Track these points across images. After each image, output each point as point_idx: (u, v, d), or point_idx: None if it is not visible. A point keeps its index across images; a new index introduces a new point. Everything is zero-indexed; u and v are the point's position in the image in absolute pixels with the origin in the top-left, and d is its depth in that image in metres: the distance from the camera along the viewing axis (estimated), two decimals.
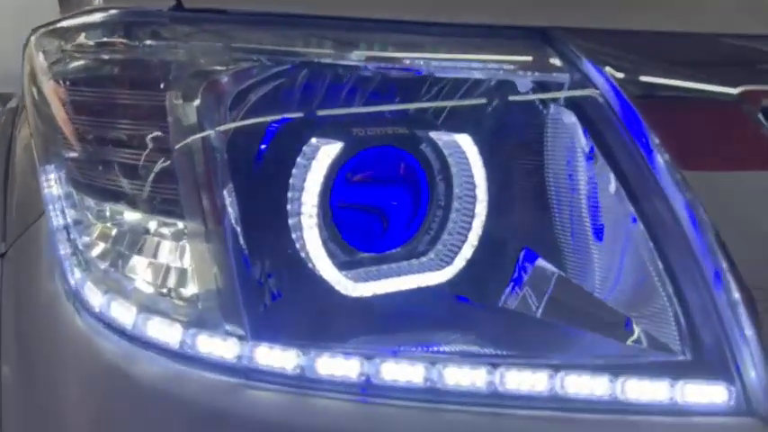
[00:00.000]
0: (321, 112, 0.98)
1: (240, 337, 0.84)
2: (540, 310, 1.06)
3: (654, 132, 0.89)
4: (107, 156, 0.99)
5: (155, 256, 0.91)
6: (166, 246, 0.90)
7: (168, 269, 0.90)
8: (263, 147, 0.98)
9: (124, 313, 0.88)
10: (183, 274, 0.88)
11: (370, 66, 0.93)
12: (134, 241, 0.94)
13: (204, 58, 0.93)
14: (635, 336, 1.02)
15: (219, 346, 0.84)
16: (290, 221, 0.94)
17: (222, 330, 0.85)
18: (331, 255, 0.95)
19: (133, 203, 0.96)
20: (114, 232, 0.97)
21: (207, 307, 0.86)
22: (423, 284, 1.01)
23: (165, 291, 0.90)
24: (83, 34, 1.04)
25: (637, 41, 0.96)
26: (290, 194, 0.93)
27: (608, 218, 0.99)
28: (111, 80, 1.02)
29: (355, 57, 0.93)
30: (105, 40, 1.03)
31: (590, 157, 1.00)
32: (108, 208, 0.99)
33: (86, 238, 0.98)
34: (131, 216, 0.97)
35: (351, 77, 0.97)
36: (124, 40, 1.00)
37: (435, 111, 1.04)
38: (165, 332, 0.86)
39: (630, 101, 0.90)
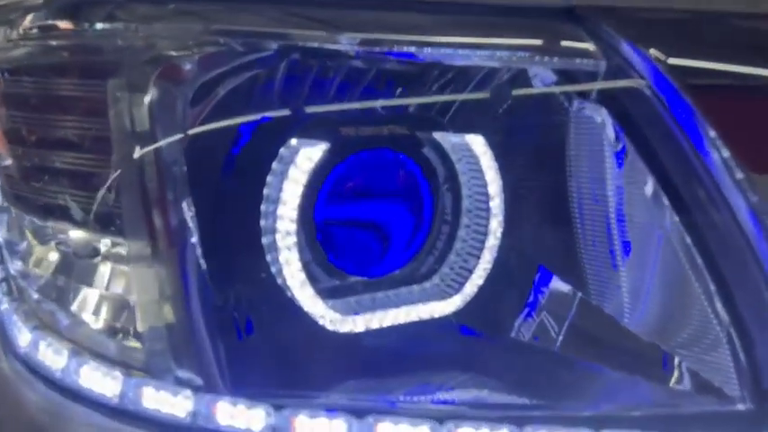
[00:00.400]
0: (310, 109, 0.80)
1: (195, 389, 0.67)
2: (563, 346, 0.91)
3: (712, 128, 0.72)
4: (47, 162, 0.83)
5: (95, 285, 0.74)
6: (108, 273, 0.73)
7: (110, 302, 0.72)
8: (232, 150, 0.81)
9: (53, 356, 0.71)
10: (125, 307, 0.71)
11: (364, 51, 0.76)
12: (73, 267, 0.77)
13: (163, 42, 0.77)
14: (678, 377, 0.85)
15: (168, 401, 0.67)
16: (264, 240, 0.76)
17: (172, 379, 0.67)
18: (314, 280, 0.79)
19: (76, 221, 0.79)
20: (53, 256, 0.80)
21: (153, 349, 0.68)
22: (426, 316, 0.85)
23: (104, 329, 0.72)
24: (27, 17, 0.88)
25: (688, 21, 0.80)
26: (263, 207, 0.76)
27: (640, 230, 0.84)
28: (56, 70, 0.85)
29: (346, 40, 0.76)
30: (50, 23, 0.87)
31: (621, 160, 0.84)
32: (49, 226, 0.82)
33: (19, 263, 0.81)
34: (74, 236, 0.80)
35: (340, 66, 0.81)
36: (72, 24, 0.84)
37: (441, 107, 0.88)
38: (102, 382, 0.68)
39: (683, 92, 0.73)
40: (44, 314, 0.78)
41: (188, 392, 0.66)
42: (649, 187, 0.80)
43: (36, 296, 0.78)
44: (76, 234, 0.80)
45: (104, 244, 0.77)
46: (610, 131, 0.83)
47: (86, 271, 0.77)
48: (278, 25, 0.78)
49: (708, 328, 0.79)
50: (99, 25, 0.84)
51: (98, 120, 0.75)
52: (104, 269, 0.76)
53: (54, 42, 0.86)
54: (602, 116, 0.82)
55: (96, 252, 0.77)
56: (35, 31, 0.89)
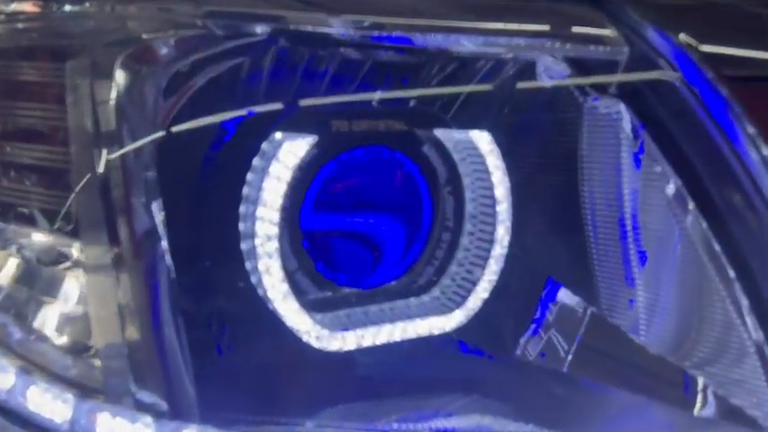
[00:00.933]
0: (304, 102, 0.72)
1: (158, 415, 0.58)
2: (573, 365, 0.84)
3: (751, 124, 0.64)
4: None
5: (51, 295, 0.65)
6: (66, 282, 0.64)
7: (63, 315, 0.64)
8: (211, 145, 0.73)
9: None
10: (80, 321, 0.62)
11: (359, 37, 0.68)
12: (30, 275, 0.68)
13: (133, 23, 0.68)
14: (702, 402, 0.76)
15: (126, 429, 0.57)
16: (243, 246, 0.68)
17: (131, 403, 0.58)
18: (299, 292, 0.71)
19: (38, 223, 0.70)
20: (10, 262, 0.72)
21: (110, 368, 0.59)
22: (424, 333, 0.77)
23: (59, 344, 0.64)
24: None
25: (724, 5, 0.72)
26: (242, 209, 0.68)
27: (657, 238, 0.77)
28: (15, 55, 0.77)
29: (340, 24, 0.68)
30: (16, 7, 0.79)
31: (638, 160, 0.76)
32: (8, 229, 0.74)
33: None
34: (36, 240, 0.71)
35: (334, 54, 0.73)
36: (38, 5, 0.76)
37: (444, 101, 0.79)
38: (51, 405, 0.59)
39: (719, 84, 0.65)
40: None
41: (148, 420, 0.57)
42: (671, 190, 0.72)
43: None
44: (38, 238, 0.72)
45: (67, 250, 0.68)
46: (628, 129, 0.75)
47: (43, 279, 0.69)
48: (265, 6, 0.70)
49: (737, 348, 0.72)
50: (68, 7, 0.76)
51: (58, 109, 0.66)
52: (62, 278, 0.67)
53: (20, 25, 0.78)
54: (620, 112, 0.75)
55: (62, 259, 0.69)
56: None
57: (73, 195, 0.66)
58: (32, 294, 0.70)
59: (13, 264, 0.73)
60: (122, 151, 0.63)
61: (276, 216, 0.65)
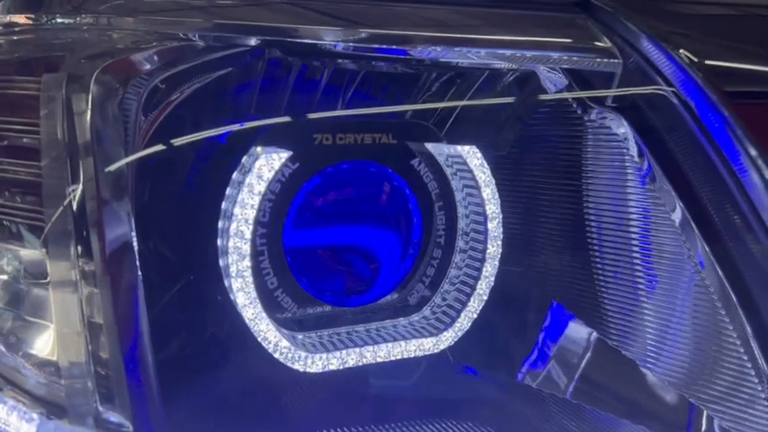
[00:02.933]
0: (313, 116, 0.70)
1: None
2: (572, 391, 0.80)
3: (751, 144, 0.60)
4: None
5: (28, 310, 0.64)
6: (43, 298, 0.63)
7: (38, 332, 0.62)
8: (191, 160, 0.71)
9: None
10: (46, 336, 0.61)
11: (348, 48, 0.66)
12: (6, 289, 0.67)
13: (114, 33, 0.67)
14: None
15: None
16: (221, 262, 0.66)
17: (95, 423, 0.56)
18: (278, 310, 0.67)
19: (14, 237, 0.69)
20: None
21: (74, 387, 0.57)
22: (413, 354, 0.73)
23: (30, 362, 0.62)
24: None
25: (724, 16, 0.68)
26: (220, 224, 0.66)
27: (667, 262, 0.72)
28: (6, 68, 0.76)
29: (331, 37, 0.65)
30: (9, 19, 0.79)
31: (645, 178, 0.72)
32: None
33: None
34: (16, 254, 0.70)
35: (322, 66, 0.70)
36: (31, 18, 0.75)
37: (444, 112, 0.76)
38: (18, 425, 0.58)
39: (717, 100, 0.61)
40: None
41: None
42: (677, 213, 0.68)
43: None
44: (22, 254, 0.71)
45: (44, 264, 0.67)
46: (631, 144, 0.71)
47: (23, 296, 0.67)
48: (250, 18, 0.68)
49: (740, 375, 0.68)
50: (60, 19, 0.75)
51: (32, 120, 0.65)
52: (43, 294, 0.66)
53: (11, 38, 0.78)
54: (620, 127, 0.71)
55: (44, 275, 0.67)
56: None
57: (61, 210, 0.64)
58: (11, 311, 0.69)
59: None
60: (120, 163, 0.62)
61: (249, 232, 0.63)
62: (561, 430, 0.78)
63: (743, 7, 0.72)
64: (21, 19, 0.80)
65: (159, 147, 0.65)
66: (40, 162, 0.62)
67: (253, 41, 0.66)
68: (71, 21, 0.73)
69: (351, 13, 0.70)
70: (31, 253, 0.63)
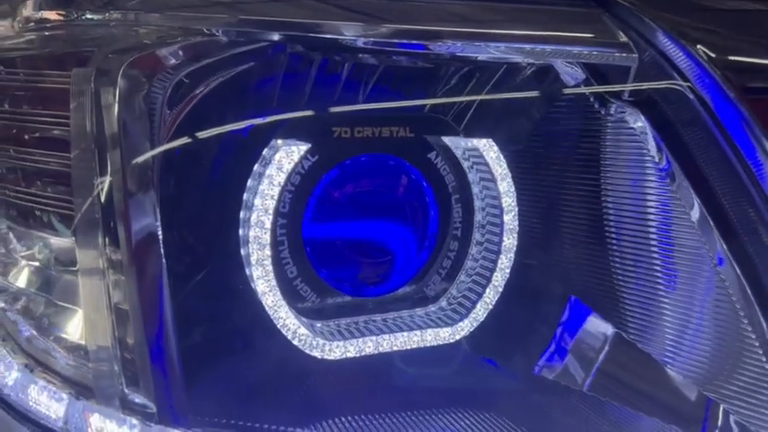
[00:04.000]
0: (335, 109, 0.71)
1: (147, 417, 0.58)
2: (588, 385, 0.80)
3: (763, 131, 0.60)
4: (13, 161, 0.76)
5: (59, 296, 0.67)
6: (73, 284, 0.65)
7: (62, 314, 0.65)
8: (213, 152, 0.73)
9: (3, 371, 0.63)
10: (75, 321, 0.63)
11: (369, 43, 0.67)
12: (38, 275, 0.70)
13: (141, 29, 0.69)
14: (723, 427, 0.72)
15: (115, 430, 0.58)
16: (243, 252, 0.68)
17: (120, 404, 0.59)
18: (298, 299, 0.69)
19: (46, 226, 0.71)
20: (18, 264, 0.73)
21: (101, 370, 0.60)
22: (430, 343, 0.75)
23: (60, 344, 0.65)
24: (29, 5, 0.83)
25: (741, 11, 0.68)
26: (242, 215, 0.68)
27: (687, 258, 0.72)
28: (35, 63, 0.79)
29: (352, 32, 0.66)
30: (42, 15, 0.81)
31: (664, 174, 0.72)
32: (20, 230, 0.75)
33: None
34: (46, 242, 0.72)
35: (342, 60, 0.72)
36: (62, 12, 0.78)
37: (462, 107, 0.78)
38: (48, 403, 0.60)
39: (734, 95, 0.61)
40: (9, 324, 0.71)
41: (134, 422, 0.58)
42: (695, 211, 0.68)
43: (1, 305, 0.71)
44: (53, 242, 0.73)
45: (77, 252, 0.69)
46: (649, 139, 0.71)
47: (54, 282, 0.70)
48: (273, 14, 0.69)
49: (757, 372, 0.68)
50: (89, 15, 0.78)
51: (63, 113, 0.68)
52: (73, 281, 0.68)
53: (43, 33, 0.80)
54: (638, 122, 0.71)
55: (74, 262, 0.70)
56: (32, 19, 0.83)
57: (90, 200, 0.67)
58: (43, 296, 0.71)
59: (26, 266, 0.75)
60: (147, 155, 0.64)
61: (269, 222, 0.65)
62: (581, 422, 0.79)
63: (760, 2, 0.72)
64: (52, 15, 0.82)
65: (185, 139, 0.67)
66: (70, 154, 0.64)
67: (275, 37, 0.67)
68: (100, 17, 0.76)
69: (372, 8, 0.71)
70: (61, 241, 0.66)
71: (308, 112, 0.72)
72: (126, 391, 0.60)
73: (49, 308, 0.70)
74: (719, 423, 0.73)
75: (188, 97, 0.68)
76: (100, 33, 0.73)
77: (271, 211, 0.65)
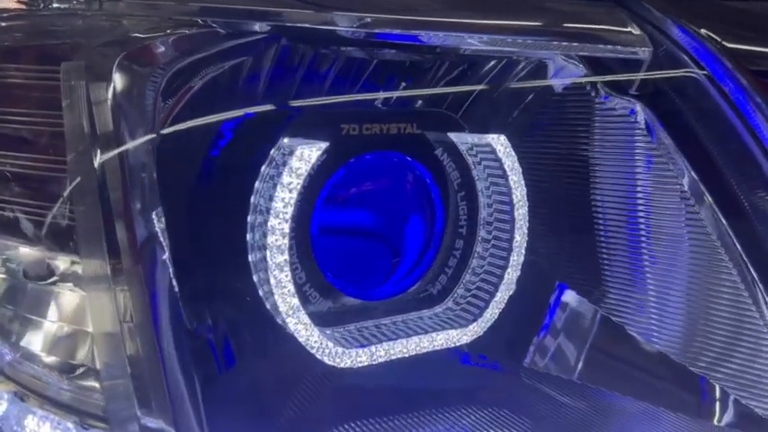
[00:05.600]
0: (295, 103, 0.68)
1: None
2: (585, 373, 0.81)
3: None
4: None
5: (45, 313, 0.61)
6: (62, 299, 0.60)
7: (63, 333, 0.59)
8: (212, 152, 0.69)
9: None
10: (83, 341, 0.58)
11: (366, 35, 0.65)
12: (21, 291, 0.64)
13: (129, 21, 0.65)
14: (721, 410, 0.73)
15: None
16: (251, 258, 0.64)
17: (136, 428, 0.54)
18: (308, 304, 0.66)
19: (26, 236, 0.65)
20: None
21: (114, 392, 0.55)
22: (440, 347, 0.72)
23: (56, 366, 0.59)
24: None
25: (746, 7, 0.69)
26: (250, 219, 0.64)
27: (683, 241, 0.73)
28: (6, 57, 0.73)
29: (343, 21, 0.64)
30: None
31: (650, 162, 0.73)
32: None
33: None
34: (24, 254, 0.66)
35: (336, 53, 0.69)
36: (23, 2, 0.72)
37: (456, 102, 0.75)
38: None
39: (750, 84, 0.61)
40: None
41: None
42: (685, 189, 0.69)
43: None
44: (27, 252, 0.67)
45: (59, 263, 0.63)
46: (642, 129, 0.72)
47: (36, 296, 0.64)
48: (267, 3, 0.66)
49: (757, 353, 0.70)
50: (56, 4, 0.72)
51: (50, 113, 0.62)
52: (58, 294, 0.63)
53: (5, 24, 0.74)
54: (635, 112, 0.71)
55: (50, 273, 0.64)
56: None
57: (59, 203, 0.61)
58: (19, 312, 0.65)
59: None
60: (112, 153, 0.59)
61: (287, 227, 0.61)
62: (581, 416, 0.79)
63: None
64: (11, 3, 0.76)
65: (151, 136, 0.62)
66: (60, 154, 0.59)
67: (264, 27, 0.64)
68: (69, 5, 0.71)
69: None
70: (63, 254, 0.60)
71: (269, 106, 0.69)
72: (141, 414, 0.55)
73: (32, 326, 0.64)
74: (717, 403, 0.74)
75: (182, 90, 0.64)
76: (72, 24, 0.68)
77: (287, 217, 0.61)
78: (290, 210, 0.61)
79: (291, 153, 0.62)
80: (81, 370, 0.58)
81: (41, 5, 0.74)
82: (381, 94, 0.75)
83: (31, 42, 0.71)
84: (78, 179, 0.57)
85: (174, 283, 0.57)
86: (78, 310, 0.59)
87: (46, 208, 0.63)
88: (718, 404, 0.76)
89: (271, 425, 0.65)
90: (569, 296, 0.83)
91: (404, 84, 0.76)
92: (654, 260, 0.76)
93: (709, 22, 0.66)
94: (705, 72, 0.63)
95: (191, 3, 0.67)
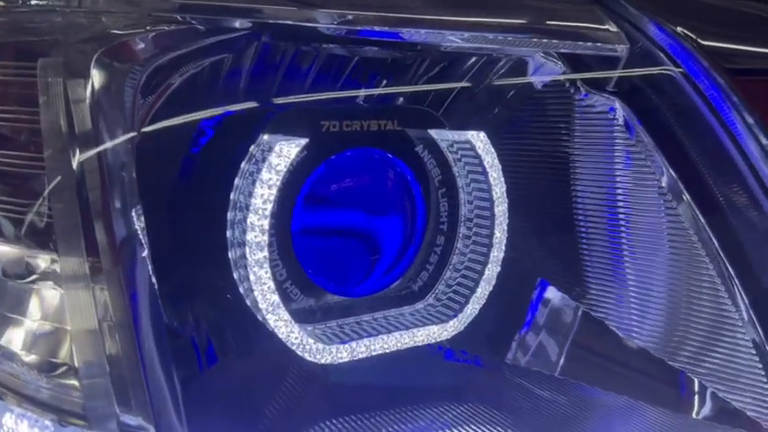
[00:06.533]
0: (279, 100, 0.68)
1: None
2: (566, 369, 0.81)
3: (752, 114, 0.62)
4: None
5: (23, 311, 0.60)
6: (40, 297, 0.59)
7: (41, 332, 0.59)
8: (192, 148, 0.68)
9: None
10: (61, 339, 0.57)
11: (346, 32, 0.65)
12: None
13: (107, 18, 0.64)
14: (699, 404, 0.74)
15: None
16: (231, 255, 0.64)
17: (115, 426, 0.54)
18: (289, 301, 0.66)
19: (4, 234, 0.65)
20: None
21: (93, 390, 0.55)
22: (420, 342, 0.72)
23: (34, 365, 0.59)
24: None
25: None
26: (230, 216, 0.63)
27: (666, 238, 0.73)
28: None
29: (329, 19, 0.64)
30: None
31: (629, 158, 0.73)
32: None
33: None
34: (2, 252, 0.66)
35: (317, 50, 0.69)
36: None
37: (437, 100, 0.75)
38: None
39: (725, 81, 0.62)
40: None
41: None
42: (664, 186, 0.70)
43: None
44: (5, 250, 0.67)
45: (38, 261, 0.63)
46: (621, 126, 0.72)
47: (15, 294, 0.63)
48: (248, 0, 0.66)
49: (735, 346, 0.71)
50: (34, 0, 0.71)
51: (26, 110, 0.62)
52: (37, 292, 0.62)
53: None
54: (614, 109, 0.72)
55: (29, 271, 0.64)
56: None
57: (39, 202, 0.61)
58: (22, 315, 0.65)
59: None
60: (92, 152, 0.58)
61: (266, 223, 0.61)
62: (562, 410, 0.79)
63: None
64: None
65: (132, 134, 0.62)
66: (38, 151, 0.58)
67: (245, 24, 0.64)
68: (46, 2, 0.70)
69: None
70: (41, 252, 0.60)
71: (252, 103, 0.69)
72: (120, 411, 0.54)
73: (10, 324, 0.63)
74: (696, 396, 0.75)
75: (162, 88, 0.64)
76: (50, 20, 0.67)
77: (267, 213, 0.61)
78: (269, 206, 0.61)
79: (270, 149, 0.62)
80: (60, 368, 0.58)
81: (20, 2, 0.73)
82: (363, 92, 0.75)
83: (8, 39, 0.70)
84: (56, 177, 0.56)
85: (154, 280, 0.57)
86: (57, 308, 0.59)
87: (25, 206, 0.62)
88: (696, 398, 0.76)
89: (252, 422, 0.65)
90: (551, 292, 0.83)
91: (385, 81, 0.77)
92: (634, 256, 0.76)
93: (685, 20, 0.66)
94: (681, 70, 0.64)
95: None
